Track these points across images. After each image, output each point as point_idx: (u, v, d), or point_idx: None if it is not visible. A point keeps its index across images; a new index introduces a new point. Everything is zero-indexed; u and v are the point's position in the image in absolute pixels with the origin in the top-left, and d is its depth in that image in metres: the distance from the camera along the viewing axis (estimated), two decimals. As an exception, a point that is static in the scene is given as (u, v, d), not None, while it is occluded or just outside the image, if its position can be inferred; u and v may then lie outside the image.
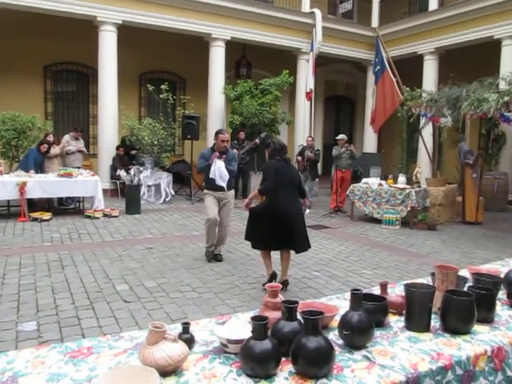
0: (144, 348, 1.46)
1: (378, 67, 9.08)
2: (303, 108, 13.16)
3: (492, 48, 10.67)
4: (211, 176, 5.37)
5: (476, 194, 8.56)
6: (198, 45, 12.05)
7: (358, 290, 1.77)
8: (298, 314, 1.62)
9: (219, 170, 5.32)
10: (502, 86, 7.81)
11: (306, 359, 1.45)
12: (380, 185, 8.56)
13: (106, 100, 10.38)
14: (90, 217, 7.90)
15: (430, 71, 12.46)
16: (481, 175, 8.62)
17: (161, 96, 9.87)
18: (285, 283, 4.55)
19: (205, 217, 5.59)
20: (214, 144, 5.58)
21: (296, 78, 12.61)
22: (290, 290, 4.58)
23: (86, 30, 10.65)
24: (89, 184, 8.11)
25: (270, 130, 11.44)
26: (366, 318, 1.70)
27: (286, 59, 12.99)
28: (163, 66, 12.88)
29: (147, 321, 3.66)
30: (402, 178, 8.57)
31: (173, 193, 10.26)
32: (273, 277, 4.58)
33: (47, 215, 7.67)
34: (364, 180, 9.07)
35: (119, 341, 1.68)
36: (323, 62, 13.53)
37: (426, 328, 1.86)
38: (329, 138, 16.75)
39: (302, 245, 4.54)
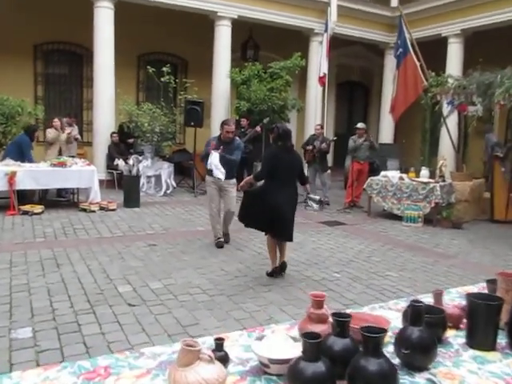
0: (174, 370, 1.31)
1: (401, 50, 8.87)
2: (315, 94, 12.97)
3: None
4: (208, 167, 5.93)
5: (506, 190, 8.40)
6: (202, 24, 11.85)
7: (419, 301, 1.63)
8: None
9: (214, 163, 5.78)
10: (538, 71, 7.61)
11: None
12: (401, 178, 8.40)
13: (101, 83, 10.21)
14: (85, 210, 7.78)
15: (455, 55, 12.22)
16: (512, 170, 8.46)
17: (162, 79, 9.69)
18: (283, 265, 4.90)
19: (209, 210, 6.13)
20: (221, 134, 5.98)
21: (307, 61, 12.41)
22: (309, 293, 4.43)
23: (80, 6, 10.43)
24: (84, 174, 7.98)
25: (280, 117, 11.26)
26: (429, 335, 1.56)
27: (296, 41, 12.77)
28: (163, 47, 12.68)
29: (155, 327, 3.54)
30: (424, 172, 8.42)
31: (174, 185, 10.13)
32: (275, 271, 4.88)
33: (38, 208, 7.54)
34: (383, 173, 8.92)
35: (140, 358, 1.55)
36: (335, 44, 13.28)
37: (491, 346, 1.72)
38: (341, 126, 16.58)
39: (285, 234, 4.84)
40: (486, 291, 2.32)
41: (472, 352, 1.69)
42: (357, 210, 9.29)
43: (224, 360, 1.47)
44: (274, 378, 1.44)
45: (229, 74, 11.35)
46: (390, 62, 14.47)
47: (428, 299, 2.25)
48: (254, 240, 6.41)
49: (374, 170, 10.84)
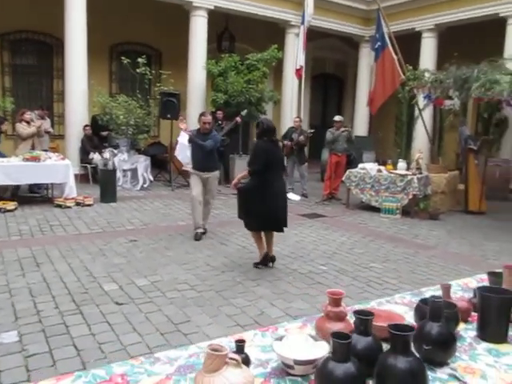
0: (201, 376, 1.27)
1: (379, 43, 8.94)
2: (291, 86, 12.96)
3: (496, 26, 10.67)
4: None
5: (480, 182, 8.60)
6: (177, 14, 11.65)
7: (439, 297, 1.63)
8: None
9: (181, 141, 6.25)
10: (511, 67, 7.79)
11: (396, 383, 1.30)
12: (379, 171, 8.49)
13: (74, 74, 9.89)
14: (60, 206, 7.55)
15: (429, 50, 12.42)
16: (485, 162, 8.66)
17: (137, 70, 9.47)
18: (272, 259, 5.03)
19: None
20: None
21: (284, 53, 12.37)
22: (298, 286, 4.45)
23: (50, -6, 10.10)
24: (59, 169, 7.73)
25: (257, 109, 11.21)
26: (448, 330, 1.56)
27: (272, 33, 12.73)
28: (137, 37, 12.40)
29: (146, 326, 3.47)
30: (402, 164, 8.53)
31: (151, 178, 9.96)
32: (266, 257, 4.96)
33: (12, 205, 7.26)
34: (361, 165, 9.00)
35: (156, 364, 1.49)
36: (311, 36, 13.26)
37: (503, 338, 1.74)
38: (315, 119, 16.65)
39: (286, 223, 4.98)
40: (484, 283, 2.37)
41: (485, 345, 1.71)
42: (335, 202, 9.36)
43: (246, 362, 1.44)
44: (299, 379, 1.42)
45: (205, 66, 11.20)
46: (364, 55, 14.63)
47: (430, 292, 2.28)
48: (236, 234, 6.37)
49: (351, 162, 10.95)
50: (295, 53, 12.08)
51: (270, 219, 4.82)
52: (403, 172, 8.25)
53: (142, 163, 9.59)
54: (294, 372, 1.43)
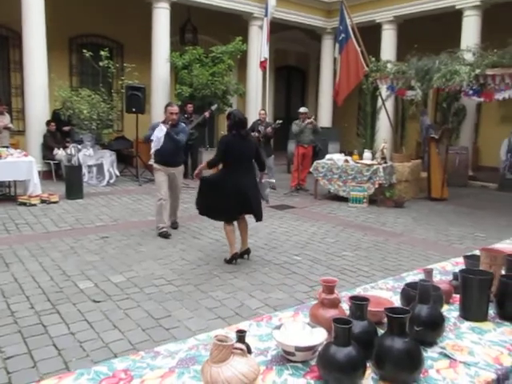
0: (209, 367, 1.28)
1: (343, 35, 9.05)
2: (255, 79, 12.97)
3: (453, 18, 11.01)
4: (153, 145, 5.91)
5: (441, 170, 8.91)
6: (138, 6, 11.41)
7: (427, 280, 1.71)
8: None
9: (158, 135, 5.76)
10: (468, 58, 8.07)
11: (395, 363, 1.36)
12: (346, 161, 8.65)
13: (32, 67, 9.54)
14: (25, 204, 7.32)
15: (389, 41, 12.69)
16: (446, 150, 8.96)
17: (100, 64, 9.24)
18: (247, 251, 5.01)
19: (156, 197, 6.08)
20: (166, 118, 5.99)
21: (247, 45, 12.34)
22: (275, 277, 4.50)
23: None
24: (22, 166, 7.48)
25: (222, 102, 11.18)
26: (437, 312, 1.64)
27: (236, 25, 12.67)
28: (97, 30, 12.08)
29: (126, 322, 3.44)
30: (367, 154, 8.72)
31: (117, 173, 9.78)
32: (234, 257, 4.90)
33: (-28, 203, 7.01)
34: (328, 156, 9.13)
35: (157, 358, 1.50)
36: (273, 29, 13.30)
37: (484, 317, 1.84)
38: (280, 111, 16.73)
39: (259, 215, 4.95)
40: (459, 266, 2.48)
41: (468, 324, 1.80)
42: (303, 193, 9.47)
43: (247, 352, 1.46)
44: (300, 365, 1.46)
45: (169, 59, 11.04)
46: (327, 47, 14.79)
47: (411, 277, 2.37)
48: (209, 227, 6.37)
49: (317, 154, 11.09)
50: (259, 45, 12.09)
51: (230, 211, 4.80)
52: (369, 162, 8.44)
53: (108, 158, 9.40)
54: (295, 359, 1.47)
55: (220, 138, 5.13)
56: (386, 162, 8.57)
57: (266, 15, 11.78)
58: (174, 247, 5.43)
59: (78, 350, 3.02)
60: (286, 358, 1.49)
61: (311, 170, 9.09)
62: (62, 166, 9.06)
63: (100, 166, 9.39)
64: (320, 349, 1.41)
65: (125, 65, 10.44)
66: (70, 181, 8.03)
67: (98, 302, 3.78)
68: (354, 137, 13.55)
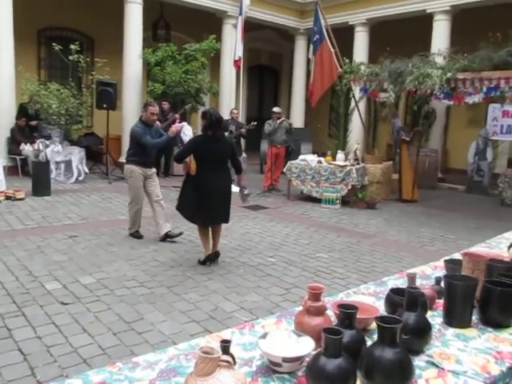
0: (193, 380, 1.20)
1: (317, 36, 9.07)
2: (229, 77, 12.88)
3: (424, 22, 11.20)
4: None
5: (412, 171, 9.03)
6: (110, 0, 11.14)
7: (415, 287, 1.67)
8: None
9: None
10: (440, 61, 8.22)
11: (386, 374, 1.31)
12: (319, 162, 8.66)
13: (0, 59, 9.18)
14: (-12, 200, 7.03)
15: (361, 43, 12.81)
16: (417, 153, 9.09)
17: (70, 58, 8.96)
18: (216, 254, 4.85)
19: (129, 199, 5.77)
20: (141, 116, 5.68)
21: (221, 44, 12.23)
22: (249, 279, 4.43)
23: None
24: (-15, 161, 7.18)
25: (195, 100, 11.04)
26: (425, 319, 1.61)
27: (209, 23, 12.52)
28: (67, 23, 11.74)
29: (96, 326, 3.31)
30: (340, 155, 8.75)
31: (86, 170, 9.52)
32: (208, 259, 4.78)
33: None
34: (301, 157, 9.13)
35: (136, 369, 1.41)
36: (246, 28, 13.24)
37: (468, 323, 1.82)
38: (252, 110, 16.69)
39: (224, 218, 4.85)
40: (438, 270, 2.47)
41: (452, 330, 1.77)
42: (276, 194, 9.44)
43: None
44: (287, 376, 1.39)
45: (141, 55, 10.82)
46: (300, 47, 14.82)
47: (392, 281, 2.34)
48: (181, 227, 6.22)
49: (290, 154, 11.10)
50: (233, 43, 11.99)
51: (200, 214, 4.69)
52: (342, 163, 8.47)
53: (77, 155, 9.13)
54: (282, 370, 1.40)
55: (193, 137, 5.03)
56: (358, 164, 8.63)
57: (240, 14, 11.69)
58: (146, 248, 5.29)
59: (45, 355, 2.88)
60: (271, 368, 1.42)
61: (284, 170, 9.07)
62: (29, 162, 8.74)
63: (68, 163, 9.11)
64: (309, 359, 1.35)
65: (96, 60, 10.15)
66: (37, 177, 7.76)
67: (67, 304, 3.63)
68: (326, 137, 13.64)
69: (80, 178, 9.28)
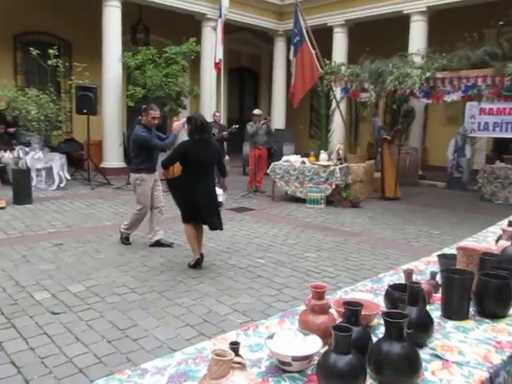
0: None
1: (298, 38, 9.13)
2: (209, 80, 12.87)
3: (402, 22, 11.38)
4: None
5: (394, 169, 9.16)
6: (87, 3, 11.02)
7: (417, 282, 1.70)
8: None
9: None
10: (418, 61, 8.36)
11: (395, 368, 1.34)
12: (303, 162, 8.71)
13: (-26, 66, 9.02)
14: (-32, 210, 6.88)
15: (340, 44, 12.95)
16: (399, 151, 9.23)
17: (49, 63, 8.83)
18: (202, 256, 4.81)
19: (137, 206, 5.56)
20: (139, 119, 5.46)
21: (201, 46, 12.21)
22: (240, 281, 4.44)
23: None
24: (-36, 170, 7.02)
25: (177, 103, 11.00)
26: (426, 313, 1.64)
27: (188, 25, 12.49)
28: (43, 27, 11.57)
29: (89, 334, 3.27)
30: (323, 155, 8.82)
31: (68, 177, 9.39)
32: (198, 262, 4.77)
33: None
34: (285, 158, 9.17)
35: (145, 376, 1.40)
36: (225, 30, 13.28)
37: (466, 315, 1.86)
38: (233, 112, 16.69)
39: (215, 223, 4.81)
40: (431, 265, 2.52)
41: (451, 323, 1.81)
42: (260, 195, 9.46)
43: (242, 363, 1.40)
44: (297, 375, 1.41)
45: (121, 59, 10.73)
46: (279, 49, 14.90)
47: (387, 278, 2.38)
48: (168, 232, 6.20)
49: (272, 155, 11.14)
50: (213, 46, 11.99)
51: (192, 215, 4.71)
52: (326, 163, 8.54)
53: (58, 161, 9.00)
54: (291, 369, 1.41)
55: (181, 142, 4.92)
56: (342, 163, 8.71)
57: (220, 16, 11.70)
58: (134, 253, 5.25)
59: (40, 366, 2.83)
60: (281, 368, 1.43)
61: (268, 171, 9.09)
62: (9, 170, 8.58)
63: (49, 170, 8.98)
64: (318, 357, 1.36)
65: (75, 64, 10.03)
66: (18, 185, 7.62)
67: (58, 313, 3.57)
68: (308, 138, 13.74)
69: (61, 185, 9.15)
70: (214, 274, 4.63)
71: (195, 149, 4.62)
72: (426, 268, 2.49)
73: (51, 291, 4.03)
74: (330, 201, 8.51)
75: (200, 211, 4.64)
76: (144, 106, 5.72)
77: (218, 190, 9.34)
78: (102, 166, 10.83)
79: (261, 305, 3.85)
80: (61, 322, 3.43)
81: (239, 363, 1.27)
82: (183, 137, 5.25)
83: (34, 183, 8.61)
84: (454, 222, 7.32)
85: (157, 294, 4.02)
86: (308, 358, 1.42)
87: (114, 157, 11.19)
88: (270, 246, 5.75)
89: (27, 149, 8.68)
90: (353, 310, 1.48)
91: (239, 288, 4.25)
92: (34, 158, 8.62)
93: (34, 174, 8.72)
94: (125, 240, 5.65)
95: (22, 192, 7.59)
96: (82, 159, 10.81)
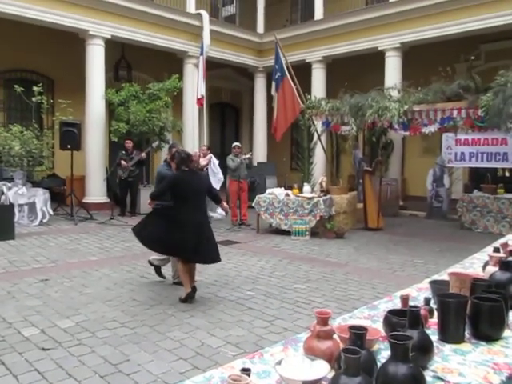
0: (225, 408, 1.23)
1: (278, 74, 9.41)
2: (191, 115, 13.05)
3: (377, 58, 11.85)
4: None
5: (376, 200, 9.34)
6: (70, 42, 11.19)
7: (416, 306, 1.76)
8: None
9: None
10: (395, 94, 8.68)
11: (402, 390, 1.38)
12: (287, 195, 8.82)
13: (-44, 103, 8.99)
14: (-52, 247, 6.73)
15: (318, 79, 13.37)
16: (380, 182, 9.43)
17: (33, 99, 8.89)
18: (194, 289, 4.80)
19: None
20: (166, 159, 5.77)
21: (183, 83, 12.44)
22: (231, 313, 4.42)
23: None
24: None
25: (160, 138, 11.11)
26: (426, 336, 1.70)
27: (170, 62, 12.79)
28: (26, 65, 11.67)
29: (81, 370, 3.21)
30: (307, 188, 8.95)
31: (51, 212, 9.28)
32: (190, 296, 4.73)
33: None
34: (269, 190, 9.27)
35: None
36: (206, 67, 13.59)
37: (462, 338, 1.92)
38: (214, 146, 16.83)
39: (213, 256, 4.81)
40: (423, 292, 2.59)
41: (449, 346, 1.87)
42: (245, 228, 9.47)
43: (253, 390, 1.42)
44: (307, 399, 1.43)
45: (105, 95, 10.84)
46: (259, 84, 15.27)
47: (382, 304, 2.43)
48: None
49: (255, 188, 11.25)
50: (194, 82, 12.24)
51: (176, 248, 4.68)
52: (309, 195, 8.66)
53: (41, 196, 8.92)
54: (301, 393, 1.45)
55: (172, 174, 5.00)
56: (325, 195, 8.84)
57: (201, 54, 11.99)
58: (121, 288, 5.19)
59: (32, 404, 2.77)
60: (291, 393, 1.46)
61: (253, 204, 9.15)
62: (-10, 206, 8.46)
63: (32, 205, 8.88)
64: (328, 381, 1.40)
65: (59, 100, 10.08)
66: (0, 220, 7.50)
67: (48, 349, 3.50)
68: (290, 171, 13.94)
69: (44, 220, 9.05)
70: (204, 307, 4.61)
71: (186, 178, 4.72)
72: (418, 295, 2.55)
73: (40, 327, 3.95)
74: (314, 232, 8.59)
75: (187, 247, 4.62)
76: (169, 145, 6.08)
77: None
78: (84, 200, 10.76)
79: (253, 337, 3.84)
80: (51, 358, 3.36)
81: (254, 388, 1.30)
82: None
83: (16, 219, 8.48)
84: (436, 250, 7.46)
85: (148, 328, 3.98)
86: (318, 381, 1.45)
87: (96, 191, 11.14)
88: (258, 278, 5.76)
89: (10, 184, 8.60)
90: (358, 334, 1.53)
91: (230, 320, 4.24)
92: (17, 193, 8.54)
93: (16, 210, 8.60)
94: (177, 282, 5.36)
95: (5, 227, 7.48)
96: (64, 194, 10.74)
